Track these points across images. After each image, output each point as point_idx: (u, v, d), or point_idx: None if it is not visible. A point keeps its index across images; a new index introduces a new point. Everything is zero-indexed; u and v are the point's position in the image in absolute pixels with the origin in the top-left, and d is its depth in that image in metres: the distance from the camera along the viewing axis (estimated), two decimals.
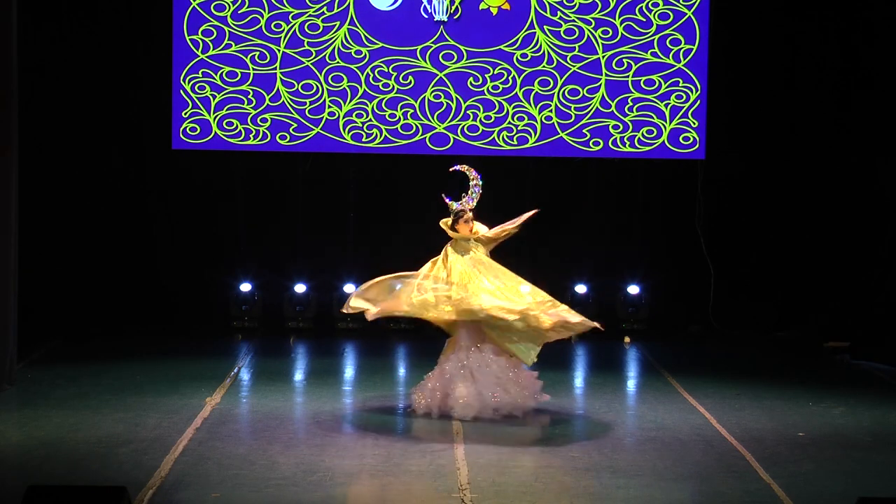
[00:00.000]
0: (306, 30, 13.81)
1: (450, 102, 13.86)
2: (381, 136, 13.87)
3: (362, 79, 13.82)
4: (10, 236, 10.78)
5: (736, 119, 14.31)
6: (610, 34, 13.88)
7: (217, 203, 14.35)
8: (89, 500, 6.73)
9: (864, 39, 13.84)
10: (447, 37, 13.82)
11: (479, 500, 7.70)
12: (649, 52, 13.89)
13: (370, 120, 13.86)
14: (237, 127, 13.83)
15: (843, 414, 10.35)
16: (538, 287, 10.14)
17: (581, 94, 13.88)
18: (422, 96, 13.85)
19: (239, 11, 13.78)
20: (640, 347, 13.58)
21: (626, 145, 13.93)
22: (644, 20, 13.89)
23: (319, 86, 13.82)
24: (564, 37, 13.87)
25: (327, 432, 9.45)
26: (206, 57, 13.78)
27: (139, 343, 13.18)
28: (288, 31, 13.79)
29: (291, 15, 13.81)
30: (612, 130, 13.91)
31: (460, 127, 13.88)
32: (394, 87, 13.84)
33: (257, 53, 13.79)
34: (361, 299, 10.08)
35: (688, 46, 13.89)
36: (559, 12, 13.86)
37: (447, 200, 10.24)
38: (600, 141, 13.92)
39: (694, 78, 13.89)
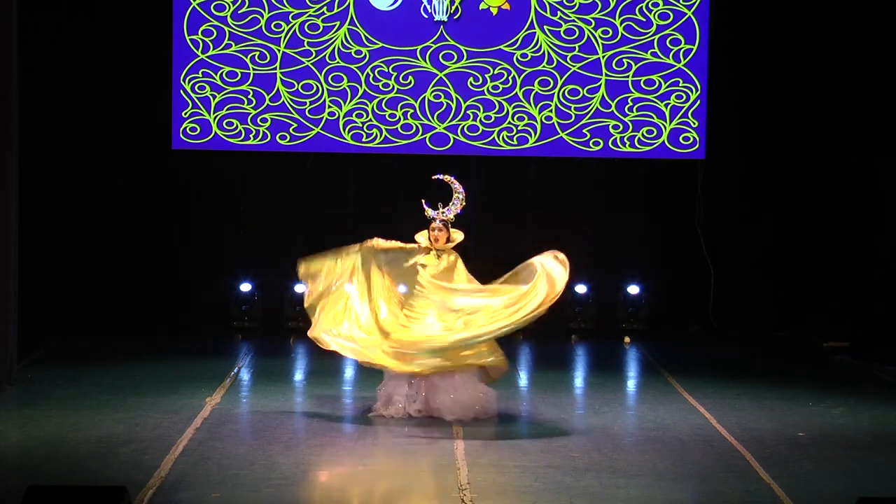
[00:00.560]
0: (306, 30, 13.82)
1: (450, 102, 13.86)
2: (381, 136, 13.87)
3: (362, 79, 13.83)
4: (10, 236, 10.78)
5: (736, 119, 14.31)
6: (610, 34, 13.88)
7: (217, 203, 14.35)
8: (89, 500, 6.73)
9: (864, 39, 13.84)
10: (447, 37, 13.82)
11: (479, 500, 7.69)
12: (649, 52, 13.90)
13: (370, 120, 13.86)
14: (237, 127, 13.84)
15: (843, 414, 10.35)
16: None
17: (581, 94, 13.88)
18: (422, 96, 13.86)
19: (239, 11, 13.79)
20: (640, 347, 13.58)
21: (626, 145, 13.93)
22: (644, 20, 13.89)
23: (319, 86, 13.82)
24: (564, 37, 13.87)
25: (327, 432, 9.45)
26: (206, 57, 13.78)
27: (139, 343, 13.18)
28: (288, 31, 13.79)
29: (291, 15, 13.81)
30: (612, 130, 13.91)
31: (460, 127, 13.88)
32: (394, 87, 13.84)
33: (257, 53, 13.79)
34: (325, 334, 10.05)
35: (688, 46, 13.89)
36: (559, 12, 13.86)
37: (425, 207, 10.20)
38: (600, 141, 13.92)
39: (694, 78, 13.89)
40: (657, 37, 13.90)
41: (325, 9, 13.82)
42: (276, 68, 13.81)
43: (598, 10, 13.88)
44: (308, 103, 13.84)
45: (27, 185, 11.72)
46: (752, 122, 14.33)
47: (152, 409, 10.03)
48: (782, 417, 10.15)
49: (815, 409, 10.51)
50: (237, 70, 13.80)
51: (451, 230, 10.14)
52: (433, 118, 13.87)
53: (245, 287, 14.31)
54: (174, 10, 13.76)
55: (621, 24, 13.88)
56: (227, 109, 13.81)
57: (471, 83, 13.87)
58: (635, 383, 12.12)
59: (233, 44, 13.80)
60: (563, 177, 14.44)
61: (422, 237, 10.14)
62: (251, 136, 13.84)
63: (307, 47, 13.82)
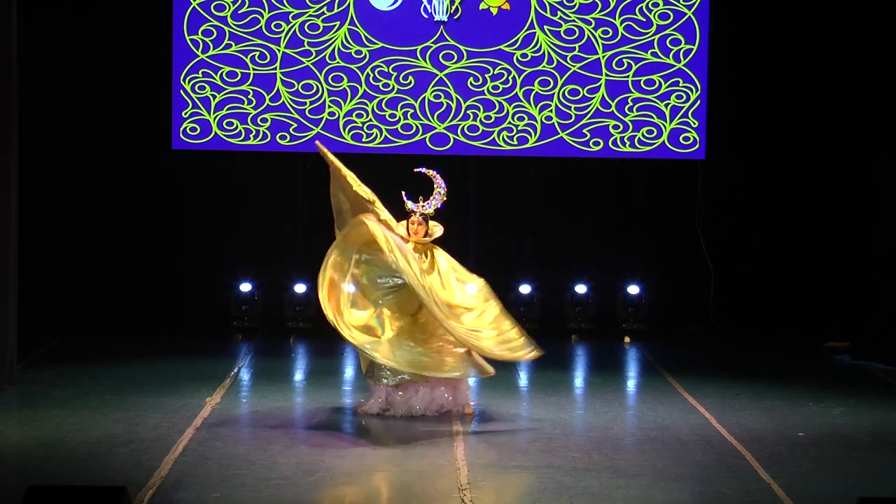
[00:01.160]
0: (306, 30, 13.82)
1: (450, 102, 13.86)
2: (381, 136, 13.87)
3: (362, 79, 13.82)
4: (10, 236, 10.78)
5: (736, 119, 14.30)
6: (610, 34, 13.88)
7: (217, 203, 14.35)
8: (89, 500, 6.73)
9: (864, 39, 13.84)
10: (447, 37, 13.82)
11: (479, 499, 7.70)
12: (649, 52, 13.89)
13: (370, 120, 13.86)
14: (237, 127, 13.84)
15: (843, 414, 10.35)
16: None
17: (581, 94, 13.88)
18: (422, 96, 13.86)
19: (239, 11, 13.79)
20: (640, 347, 13.58)
21: (626, 145, 13.93)
22: (644, 20, 13.89)
23: (319, 86, 13.82)
24: (564, 37, 13.87)
25: (327, 432, 9.45)
26: (206, 57, 13.78)
27: (139, 343, 13.17)
28: (288, 31, 13.79)
29: (291, 15, 13.81)
30: (612, 130, 13.91)
31: (460, 127, 13.88)
32: (394, 87, 13.84)
33: (257, 53, 13.79)
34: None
35: (688, 46, 13.89)
36: (559, 12, 13.86)
37: (405, 199, 10.19)
38: (600, 141, 13.92)
39: (694, 78, 13.89)
40: (657, 37, 13.90)
41: (325, 9, 13.82)
42: (276, 68, 13.81)
43: (598, 10, 13.88)
44: (308, 103, 13.84)
45: (27, 185, 11.72)
46: (753, 123, 14.32)
47: (152, 409, 10.02)
48: (782, 417, 10.15)
49: (815, 409, 10.51)
50: (237, 70, 13.80)
51: (431, 224, 10.12)
52: (433, 118, 13.87)
53: (245, 287, 14.30)
54: (174, 10, 13.76)
55: (621, 24, 13.88)
56: (227, 109, 13.81)
57: (471, 83, 13.87)
58: (635, 383, 12.12)
59: (233, 44, 13.80)
60: (563, 177, 14.43)
61: (401, 228, 10.12)
62: (251, 136, 13.84)
63: (307, 47, 13.83)
